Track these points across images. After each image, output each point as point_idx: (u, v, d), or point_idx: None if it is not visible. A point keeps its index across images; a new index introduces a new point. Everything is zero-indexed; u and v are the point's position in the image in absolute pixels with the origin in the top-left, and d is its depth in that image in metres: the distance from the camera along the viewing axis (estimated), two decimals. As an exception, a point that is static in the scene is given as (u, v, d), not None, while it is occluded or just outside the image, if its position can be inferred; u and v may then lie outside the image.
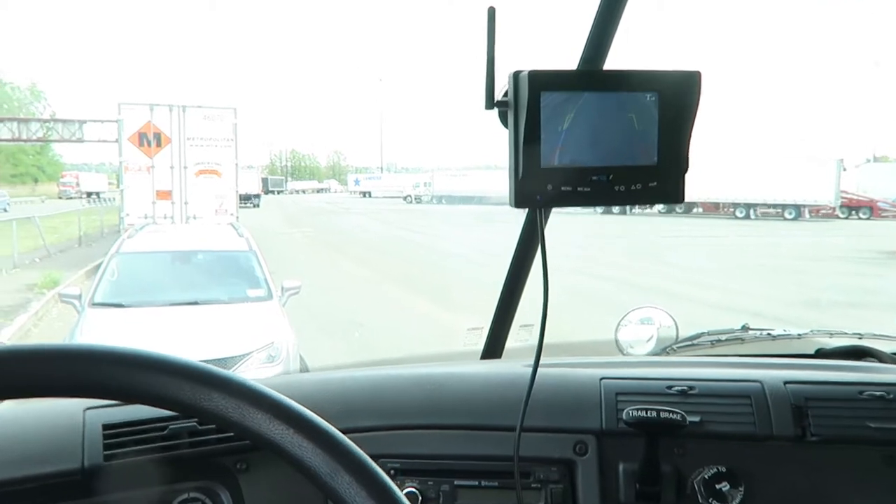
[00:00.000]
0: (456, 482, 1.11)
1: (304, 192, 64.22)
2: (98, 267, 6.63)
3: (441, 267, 14.14)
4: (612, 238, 21.13)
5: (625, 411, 1.06)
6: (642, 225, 27.22)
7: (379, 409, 1.17)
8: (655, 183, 0.83)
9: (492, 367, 1.40)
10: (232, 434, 1.03)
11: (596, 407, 1.16)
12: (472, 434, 1.14)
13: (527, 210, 1.35)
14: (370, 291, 11.11)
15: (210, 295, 6.13)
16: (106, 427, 1.03)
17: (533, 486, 1.11)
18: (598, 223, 27.16)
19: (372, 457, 1.12)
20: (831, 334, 1.74)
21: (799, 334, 1.75)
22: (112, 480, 1.01)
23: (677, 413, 1.03)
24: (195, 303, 5.89)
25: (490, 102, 0.83)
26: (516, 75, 0.80)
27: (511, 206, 0.82)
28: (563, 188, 0.80)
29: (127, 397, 0.53)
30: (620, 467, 1.12)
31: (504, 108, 0.82)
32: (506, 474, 1.08)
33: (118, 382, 0.52)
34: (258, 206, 36.46)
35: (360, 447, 1.10)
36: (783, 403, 1.15)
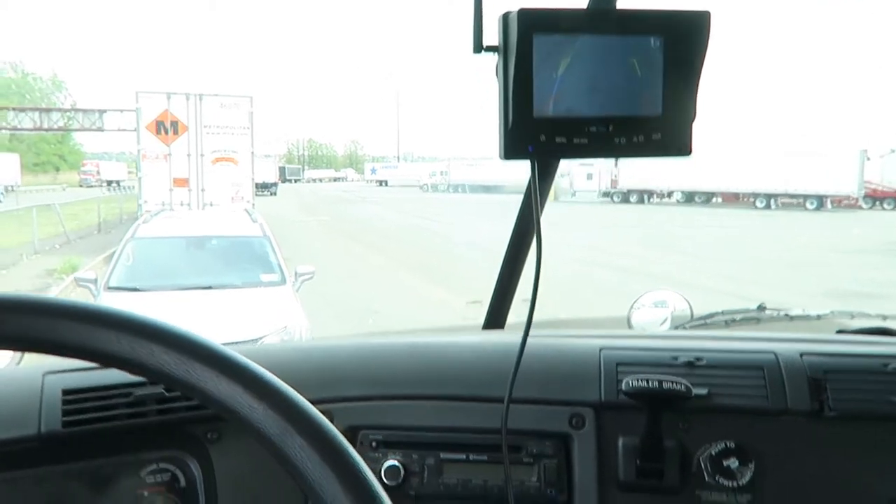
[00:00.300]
0: (442, 455, 1.05)
1: (320, 180, 64.42)
2: (116, 253, 6.67)
3: (457, 255, 14.08)
4: (627, 227, 20.94)
5: (624, 381, 0.98)
6: (658, 214, 26.95)
7: (363, 378, 1.10)
8: (660, 135, 0.77)
9: (488, 337, 1.32)
10: None
11: (595, 378, 1.08)
12: (462, 405, 1.07)
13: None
14: (386, 279, 11.10)
15: (224, 279, 6.13)
16: (66, 392, 0.97)
17: (525, 460, 1.04)
18: (613, 212, 26.98)
19: (353, 428, 1.08)
20: (852, 315, 1.66)
21: (818, 315, 1.67)
22: (72, 448, 0.96)
23: (682, 383, 0.96)
24: (209, 287, 5.90)
25: (478, 46, 0.75)
26: (506, 16, 0.74)
27: (500, 158, 0.76)
28: (557, 139, 0.74)
29: (53, 349, 0.48)
30: (620, 442, 1.05)
31: (494, 53, 0.76)
32: (495, 448, 1.02)
33: (41, 333, 0.47)
34: (275, 194, 36.68)
35: (340, 417, 1.06)
36: (799, 376, 1.06)
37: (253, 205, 13.77)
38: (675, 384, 0.95)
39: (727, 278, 10.82)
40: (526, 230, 1.36)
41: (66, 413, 0.96)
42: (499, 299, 1.47)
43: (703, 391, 1.05)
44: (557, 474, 1.04)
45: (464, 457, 1.05)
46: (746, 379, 1.07)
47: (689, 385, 0.96)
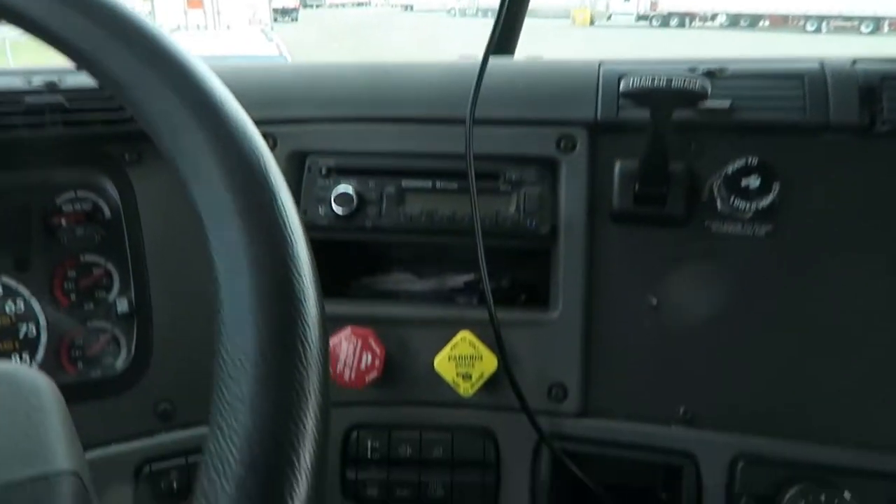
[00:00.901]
0: (404, 183, 0.90)
1: (343, 5, 61.55)
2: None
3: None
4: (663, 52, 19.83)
5: (623, 81, 0.78)
6: (703, 38, 25.40)
7: (311, 98, 0.93)
8: None
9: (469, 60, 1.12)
10: (118, 116, 0.85)
11: (591, 93, 0.87)
12: (429, 128, 0.90)
13: None
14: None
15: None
16: None
17: (502, 189, 0.89)
18: (648, 37, 25.63)
19: (299, 153, 0.90)
20: None
21: None
22: None
23: (696, 82, 0.75)
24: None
25: None
26: None
27: None
28: None
29: None
30: (617, 167, 0.86)
31: None
32: (466, 175, 0.85)
33: None
34: (296, 19, 35.28)
35: (284, 141, 0.90)
36: (848, 85, 0.83)
37: (271, 28, 13.25)
38: (687, 82, 0.75)
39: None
40: None
41: None
42: (497, 27, 1.28)
43: (725, 103, 0.84)
44: (540, 203, 0.88)
45: (429, 185, 0.91)
46: (781, 90, 0.85)
47: (707, 88, 0.76)
